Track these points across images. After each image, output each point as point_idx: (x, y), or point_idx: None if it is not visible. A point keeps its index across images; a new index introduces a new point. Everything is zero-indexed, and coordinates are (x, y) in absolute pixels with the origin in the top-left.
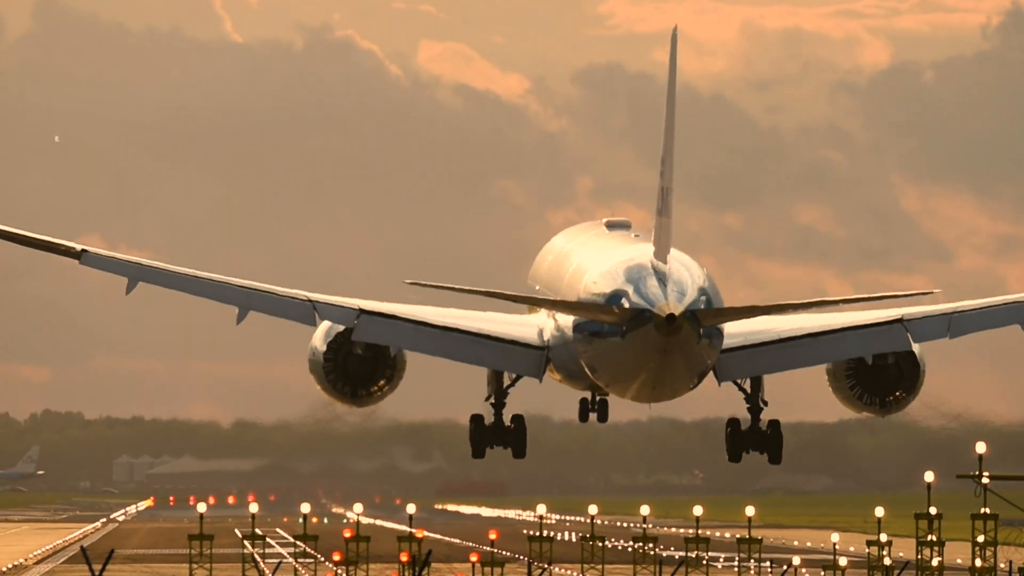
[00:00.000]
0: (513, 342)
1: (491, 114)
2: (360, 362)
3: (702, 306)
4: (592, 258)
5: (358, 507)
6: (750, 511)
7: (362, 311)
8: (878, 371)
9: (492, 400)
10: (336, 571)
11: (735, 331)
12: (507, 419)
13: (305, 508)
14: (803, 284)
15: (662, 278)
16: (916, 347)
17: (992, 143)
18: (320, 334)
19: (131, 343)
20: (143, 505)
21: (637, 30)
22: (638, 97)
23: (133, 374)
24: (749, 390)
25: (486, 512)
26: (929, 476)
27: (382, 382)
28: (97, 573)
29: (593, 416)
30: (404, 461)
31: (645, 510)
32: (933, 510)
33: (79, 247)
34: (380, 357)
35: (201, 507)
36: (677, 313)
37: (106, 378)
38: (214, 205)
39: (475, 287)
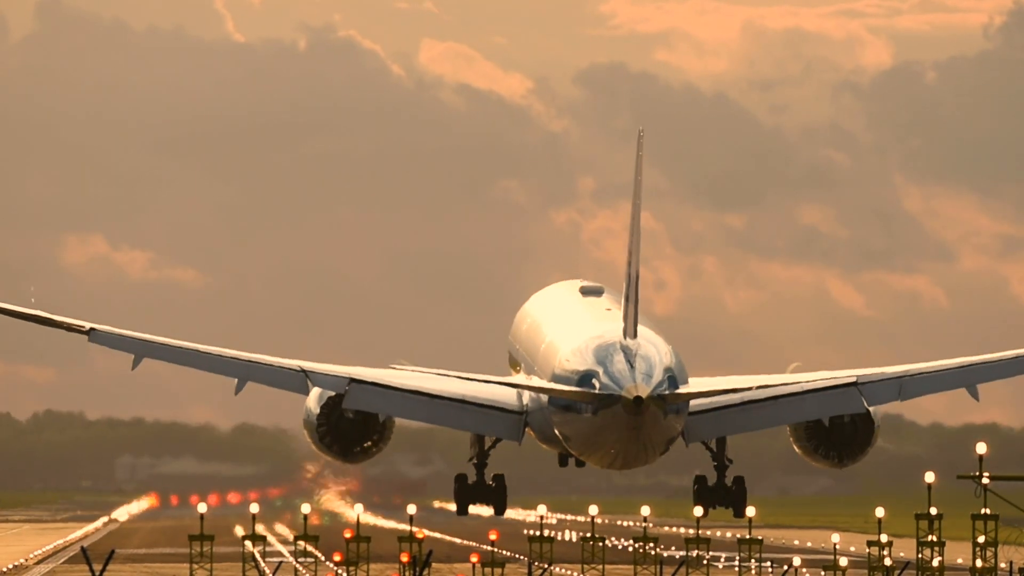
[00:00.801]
0: (494, 407)
1: (493, 114)
2: (351, 425)
3: (667, 386)
4: (566, 333)
5: (359, 507)
6: (751, 511)
7: (352, 380)
8: (836, 429)
9: (475, 460)
10: (337, 571)
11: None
12: (489, 478)
13: (306, 508)
14: (806, 285)
15: (630, 359)
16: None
17: (995, 143)
18: (314, 397)
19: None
20: (144, 504)
21: (639, 30)
22: (641, 97)
23: (135, 375)
24: (715, 449)
25: (486, 512)
26: (930, 476)
27: (371, 443)
28: (98, 573)
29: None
30: (405, 466)
31: (646, 510)
32: (934, 510)
33: (87, 325)
34: (369, 420)
35: (202, 507)
36: (644, 395)
37: (108, 379)
38: (217, 206)
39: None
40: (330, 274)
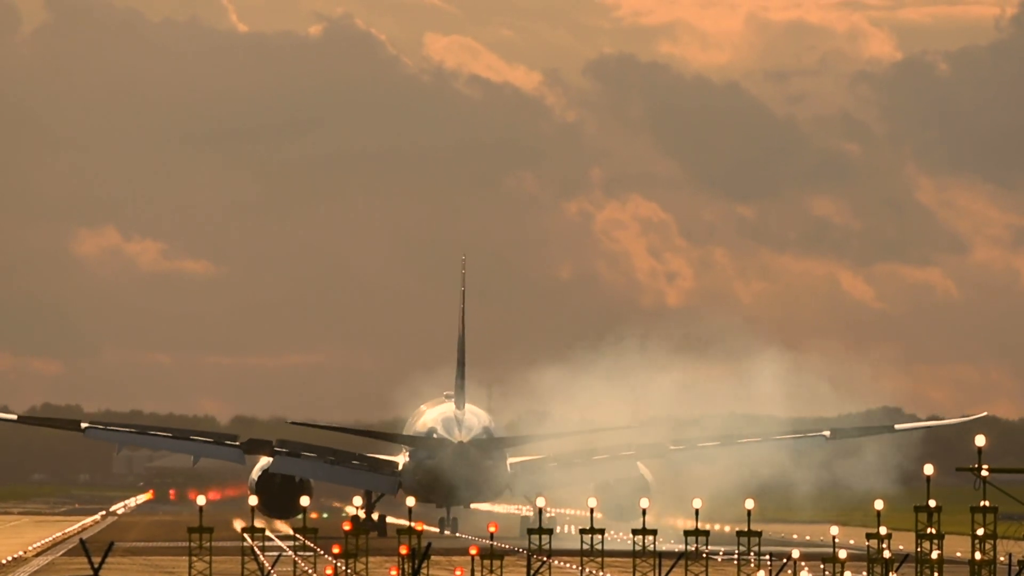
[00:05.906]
0: (379, 471)
1: (506, 105)
2: (280, 489)
3: (484, 438)
4: (426, 413)
5: (357, 500)
6: (749, 504)
7: (275, 451)
8: (620, 490)
9: (363, 507)
10: (335, 564)
11: (517, 454)
12: (376, 517)
13: (304, 501)
14: (817, 277)
15: (459, 421)
16: (644, 468)
17: (1008, 135)
18: (256, 470)
19: (139, 337)
20: (142, 498)
21: (642, 22)
22: (653, 88)
23: (139, 368)
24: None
25: (485, 505)
26: (928, 469)
27: (297, 502)
28: (96, 565)
29: None
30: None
31: (644, 503)
32: (932, 503)
33: (84, 424)
34: (293, 483)
35: (201, 500)
36: (466, 440)
37: (112, 372)
38: (228, 196)
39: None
40: (342, 265)
